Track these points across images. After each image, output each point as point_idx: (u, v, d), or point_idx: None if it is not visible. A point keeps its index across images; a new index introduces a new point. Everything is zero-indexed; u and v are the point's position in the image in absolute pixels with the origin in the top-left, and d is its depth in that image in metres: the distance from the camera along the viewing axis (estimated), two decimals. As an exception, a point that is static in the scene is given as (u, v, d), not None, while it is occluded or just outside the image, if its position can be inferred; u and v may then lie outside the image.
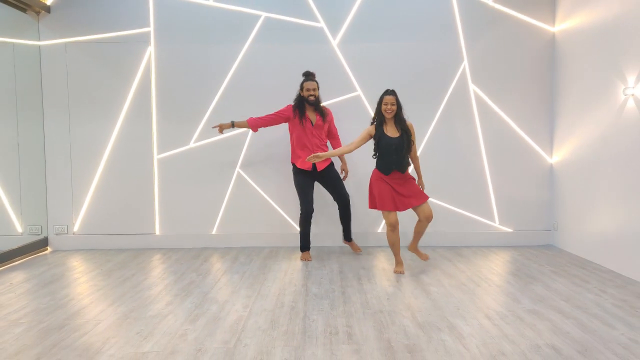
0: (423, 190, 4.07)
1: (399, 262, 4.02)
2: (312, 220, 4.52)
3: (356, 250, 4.68)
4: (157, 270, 4.18)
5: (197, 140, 5.00)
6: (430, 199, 4.96)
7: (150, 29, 4.92)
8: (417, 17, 4.93)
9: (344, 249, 4.89)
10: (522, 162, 5.00)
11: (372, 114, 4.95)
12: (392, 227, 3.90)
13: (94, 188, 5.00)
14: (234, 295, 3.43)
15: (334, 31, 4.95)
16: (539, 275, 3.83)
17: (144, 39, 4.92)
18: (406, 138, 3.85)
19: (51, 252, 4.93)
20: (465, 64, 4.97)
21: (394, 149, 3.83)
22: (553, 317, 2.91)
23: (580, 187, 4.50)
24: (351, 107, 4.94)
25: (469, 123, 4.99)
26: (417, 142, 4.96)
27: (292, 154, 4.48)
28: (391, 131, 3.88)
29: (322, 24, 4.94)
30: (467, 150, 5.01)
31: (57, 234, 5.01)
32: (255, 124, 4.42)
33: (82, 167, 4.99)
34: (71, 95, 4.94)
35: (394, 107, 3.84)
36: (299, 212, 4.93)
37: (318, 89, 4.38)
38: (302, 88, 4.37)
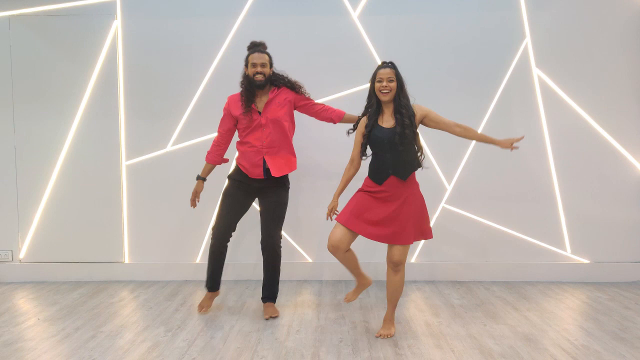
0: (509, 143, 2.63)
1: (358, 285, 2.87)
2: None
3: (267, 315, 3.04)
4: (115, 321, 3.05)
5: (176, 142, 3.87)
6: (478, 219, 3.80)
7: (117, -3, 3.82)
8: (463, -20, 3.75)
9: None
10: (603, 171, 3.79)
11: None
12: (333, 248, 2.65)
13: (46, 203, 3.89)
14: (209, 377, 2.28)
15: (355, -1, 3.79)
16: (660, 342, 2.63)
17: (108, 11, 3.81)
18: (405, 127, 2.58)
19: (-10, 286, 3.84)
20: (528, 41, 3.77)
21: (386, 144, 2.62)
22: None
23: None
24: (377, 98, 3.76)
25: (532, 119, 3.79)
26: (463, 143, 3.83)
27: (238, 153, 3.14)
28: (386, 120, 2.68)
29: (339, -11, 3.78)
30: (529, 155, 3.80)
31: (-2, 262, 3.92)
32: (215, 157, 3.17)
33: (31, 175, 3.88)
34: (16, 84, 3.85)
35: (392, 85, 2.64)
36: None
37: (271, 65, 3.03)
38: (246, 64, 3.02)
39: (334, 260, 3.79)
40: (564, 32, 3.76)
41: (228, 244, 3.12)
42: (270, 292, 3.13)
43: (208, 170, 3.21)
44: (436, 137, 3.81)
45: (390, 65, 2.71)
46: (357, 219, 2.64)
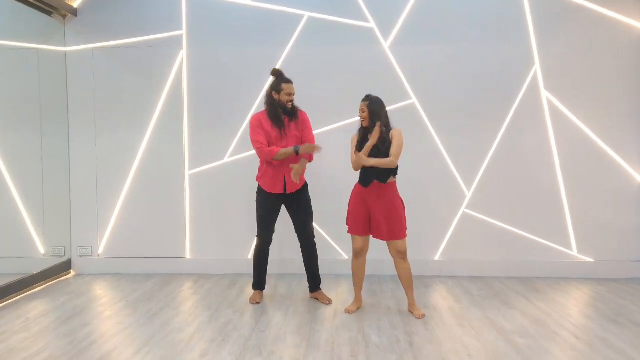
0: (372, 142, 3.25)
1: (355, 300, 3.50)
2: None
3: (324, 301, 3.64)
4: (189, 303, 3.68)
5: (232, 155, 4.51)
6: (494, 222, 4.35)
7: (183, 32, 4.47)
8: (480, 14, 4.33)
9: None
10: (605, 181, 4.31)
11: (429, 124, 4.40)
12: (356, 253, 3.41)
13: (121, 206, 4.57)
14: (279, 344, 2.88)
15: (386, 32, 4.39)
16: (648, 324, 3.16)
17: (175, 43, 4.48)
18: (383, 146, 3.25)
19: (74, 276, 4.52)
20: (537, 67, 4.33)
21: (372, 156, 3.26)
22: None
23: (683, 212, 3.79)
24: (405, 117, 4.35)
25: (541, 135, 4.34)
26: (480, 156, 4.40)
27: (259, 172, 3.65)
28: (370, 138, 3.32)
29: (372, 24, 4.39)
30: (539, 167, 4.35)
31: (80, 256, 4.59)
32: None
33: (109, 182, 4.56)
34: (98, 104, 4.54)
35: (364, 115, 3.31)
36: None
37: None
38: (278, 90, 3.48)
39: (367, 257, 4.38)
40: (569, 58, 4.30)
41: (270, 247, 3.69)
42: (315, 281, 3.72)
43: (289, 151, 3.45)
44: (457, 151, 4.39)
45: (366, 98, 3.33)
46: (364, 226, 3.35)
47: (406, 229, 3.34)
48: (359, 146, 3.34)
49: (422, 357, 2.66)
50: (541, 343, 2.85)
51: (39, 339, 3.00)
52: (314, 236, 3.70)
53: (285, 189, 3.55)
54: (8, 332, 3.10)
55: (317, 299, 3.71)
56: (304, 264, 3.73)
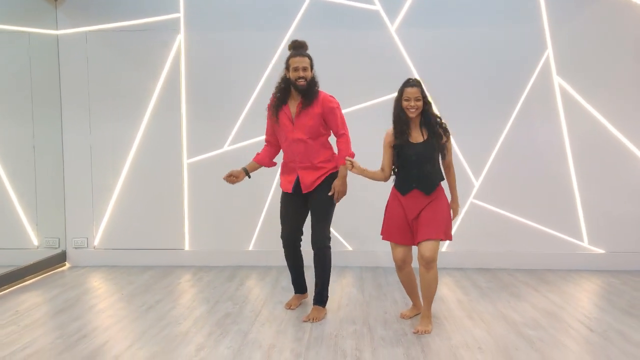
0: (455, 214, 2.95)
1: (413, 305, 3.06)
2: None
3: (309, 317, 2.98)
4: (187, 296, 3.55)
5: (232, 143, 4.35)
6: (503, 213, 4.20)
7: (180, 14, 4.31)
8: (490, -4, 4.16)
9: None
10: (618, 170, 4.15)
11: (436, 110, 4.23)
12: (397, 265, 2.91)
13: (117, 196, 4.42)
14: (280, 337, 2.74)
15: (392, 15, 4.22)
16: (666, 317, 3.02)
17: (172, 27, 4.31)
18: (433, 144, 2.77)
19: (69, 268, 4.38)
20: (550, 52, 4.16)
21: (414, 160, 2.78)
22: None
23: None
24: (411, 103, 4.19)
25: (552, 123, 4.18)
26: (489, 144, 4.23)
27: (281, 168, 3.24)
28: (414, 135, 2.81)
29: (377, 6, 4.22)
30: (550, 155, 4.19)
31: (75, 248, 4.46)
32: (266, 159, 3.22)
33: (104, 172, 4.42)
34: (92, 91, 4.38)
35: (419, 103, 2.75)
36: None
37: (312, 67, 2.95)
38: (287, 67, 2.94)
39: (372, 248, 4.23)
40: (583, 42, 4.13)
41: (301, 248, 3.18)
42: (319, 295, 3.07)
43: (252, 166, 3.20)
44: (465, 139, 4.24)
45: (417, 84, 2.79)
46: (404, 234, 2.85)
47: (444, 233, 2.80)
48: (399, 149, 2.80)
49: (430, 352, 2.53)
50: (554, 335, 2.72)
51: (27, 333, 2.86)
52: (325, 246, 3.04)
53: (298, 189, 3.06)
54: (-4, 326, 2.97)
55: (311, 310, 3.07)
56: (314, 270, 3.11)
